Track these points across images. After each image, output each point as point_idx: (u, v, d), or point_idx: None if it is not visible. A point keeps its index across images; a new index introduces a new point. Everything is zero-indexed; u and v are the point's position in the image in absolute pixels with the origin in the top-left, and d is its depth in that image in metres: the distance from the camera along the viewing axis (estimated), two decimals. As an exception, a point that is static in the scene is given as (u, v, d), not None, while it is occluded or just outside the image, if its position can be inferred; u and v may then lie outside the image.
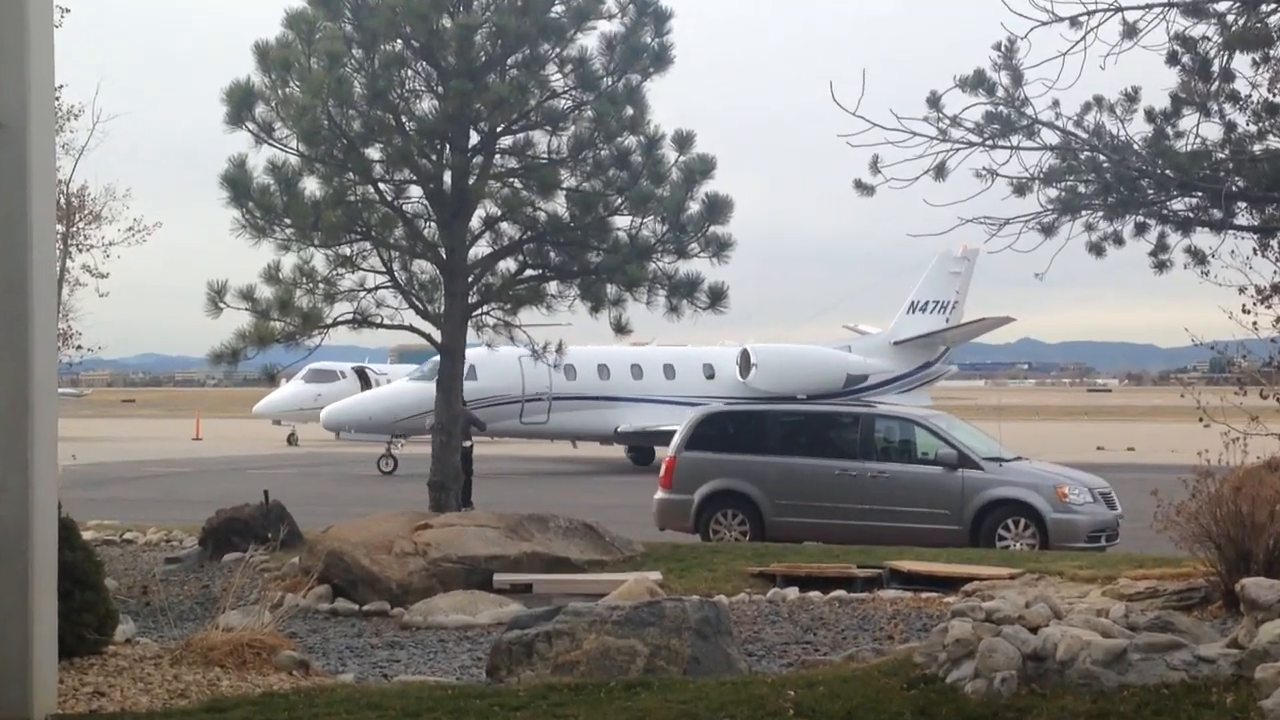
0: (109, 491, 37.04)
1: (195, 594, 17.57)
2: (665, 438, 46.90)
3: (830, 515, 21.80)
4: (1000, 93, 17.02)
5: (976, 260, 53.87)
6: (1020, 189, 17.52)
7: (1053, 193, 17.63)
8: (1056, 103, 17.07)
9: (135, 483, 41.98)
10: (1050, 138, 17.37)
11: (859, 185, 17.53)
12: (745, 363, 49.06)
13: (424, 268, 21.70)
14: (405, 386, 45.38)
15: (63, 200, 27.88)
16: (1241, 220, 17.74)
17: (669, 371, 48.86)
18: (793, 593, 16.40)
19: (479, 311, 21.92)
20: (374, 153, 20.91)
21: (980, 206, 17.37)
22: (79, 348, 30.56)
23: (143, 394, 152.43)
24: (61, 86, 28.11)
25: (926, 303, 54.81)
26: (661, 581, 16.43)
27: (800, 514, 22.02)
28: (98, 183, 30.09)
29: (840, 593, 16.29)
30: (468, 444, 32.97)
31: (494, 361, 41.14)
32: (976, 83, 16.98)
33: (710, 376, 49.28)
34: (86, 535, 18.83)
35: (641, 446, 48.70)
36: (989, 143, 17.18)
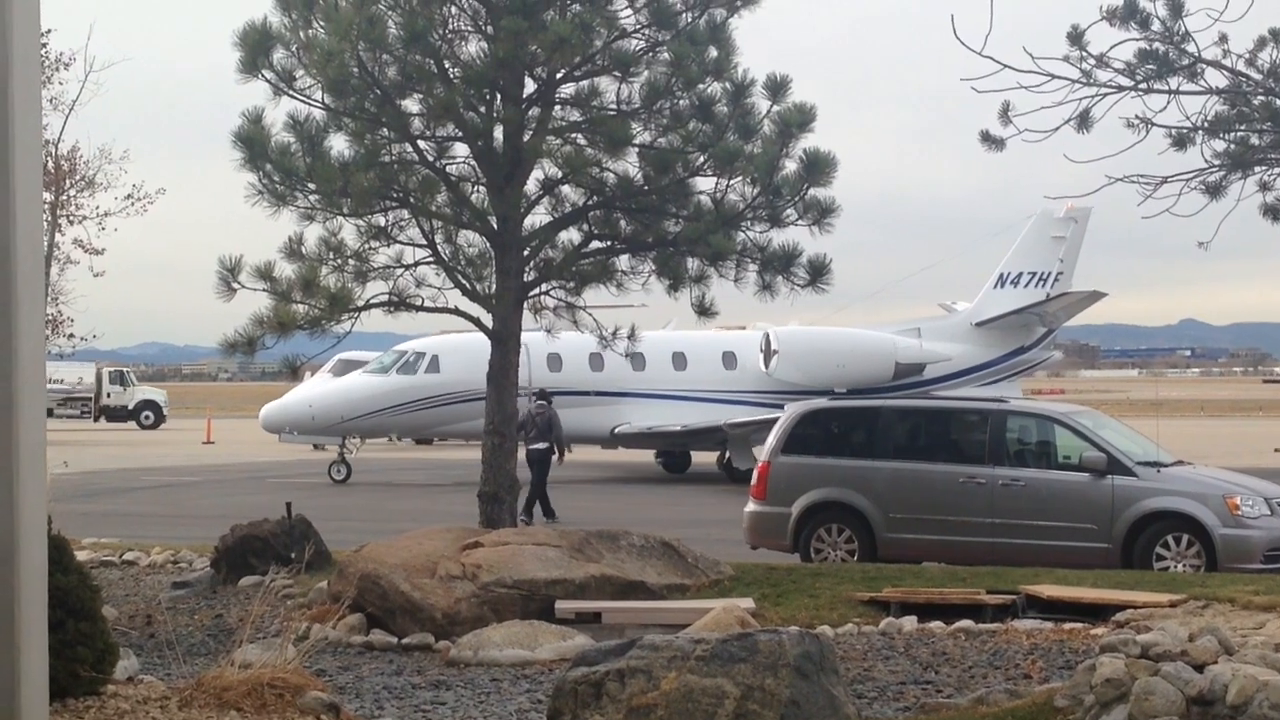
0: (106, 504, 37.44)
1: (207, 624, 17.73)
2: (670, 440, 47.09)
3: (954, 531, 21.70)
4: (1156, 26, 16.89)
5: (1088, 222, 52.38)
6: (1180, 141, 17.38)
7: (1220, 145, 17.47)
8: (1224, 37, 16.93)
9: (137, 494, 42.41)
10: (1216, 79, 17.22)
11: (986, 138, 17.48)
12: (768, 350, 48.13)
13: (471, 240, 21.77)
14: (355, 381, 45.87)
15: (51, 164, 28.23)
16: None
17: (679, 361, 48.10)
18: (910, 623, 16.34)
19: (536, 291, 21.96)
20: (412, 105, 20.96)
21: (1132, 162, 17.26)
22: (71, 336, 31.02)
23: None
24: (49, 31, 28.52)
25: (1020, 274, 52.83)
26: (754, 610, 16.42)
27: (919, 529, 21.93)
28: (91, 143, 30.59)
29: (966, 623, 16.22)
30: (543, 445, 33.39)
31: (462, 351, 41.50)
32: (1128, 14, 16.85)
33: (732, 367, 48.51)
34: (81, 556, 19.08)
35: (672, 451, 48.68)
36: (1142, 86, 17.05)
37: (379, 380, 45.05)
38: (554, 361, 45.38)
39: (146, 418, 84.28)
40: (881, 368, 48.45)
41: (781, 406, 45.72)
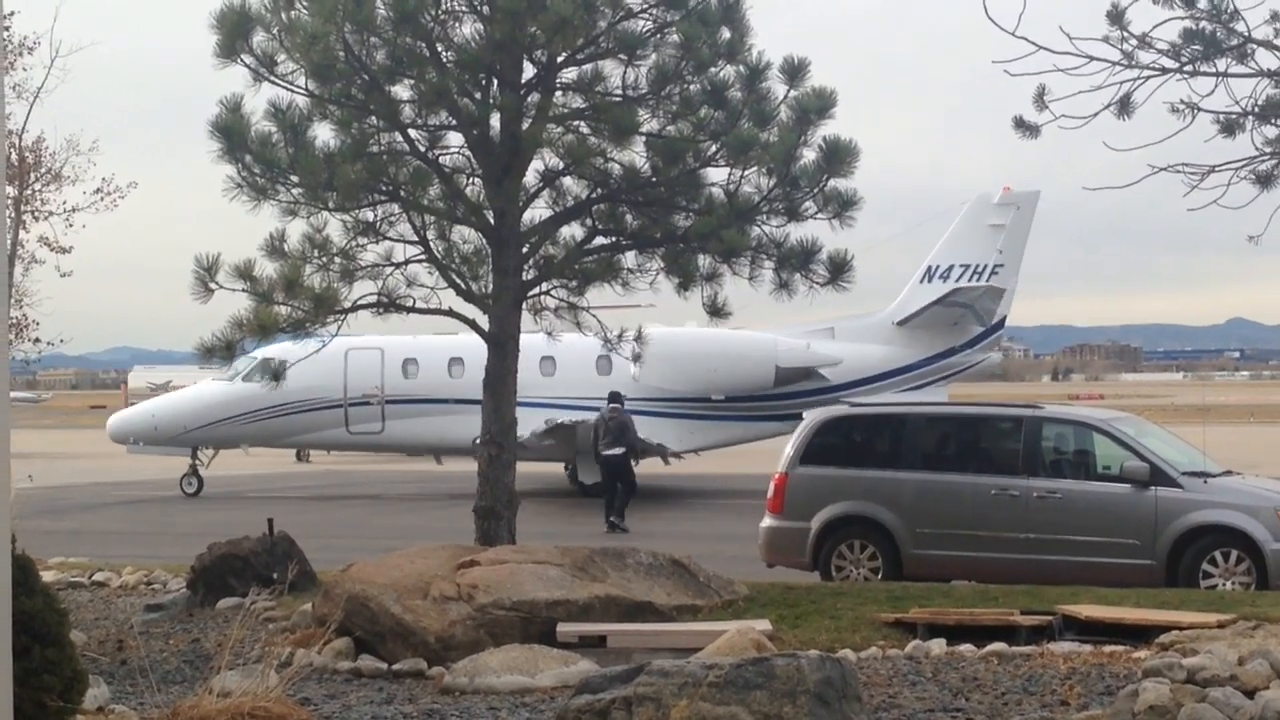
0: (75, 521, 37.52)
1: (183, 650, 17.75)
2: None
3: (986, 547, 21.70)
4: (1203, 4, 16.85)
5: (1034, 208, 50.49)
6: (1229, 127, 17.33)
7: (1272, 131, 17.43)
8: (1276, 15, 16.88)
9: (107, 510, 42.50)
10: (1268, 61, 17.18)
11: (1020, 124, 17.43)
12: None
13: (467, 236, 21.77)
14: (202, 389, 46.47)
15: (14, 155, 28.27)
16: None
17: (547, 366, 47.87)
18: (938, 646, 16.34)
19: (536, 291, 21.97)
20: (403, 91, 20.97)
21: (1177, 150, 17.22)
22: (36, 340, 31.06)
23: (115, 398, 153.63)
24: (11, 14, 28.54)
25: (951, 267, 50.34)
26: (771, 633, 16.42)
27: (947, 545, 21.94)
28: (57, 134, 30.55)
29: (999, 646, 16.21)
30: (619, 451, 33.56)
31: (310, 357, 41.77)
32: (1172, -10, 16.82)
33: (606, 372, 47.97)
34: (47, 577, 19.12)
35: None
36: (1188, 68, 17.01)
37: (224, 388, 45.46)
38: (409, 367, 45.62)
39: None
40: (759, 372, 47.26)
41: (650, 413, 46.43)
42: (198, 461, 45.80)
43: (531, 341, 47.24)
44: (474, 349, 46.42)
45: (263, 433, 46.89)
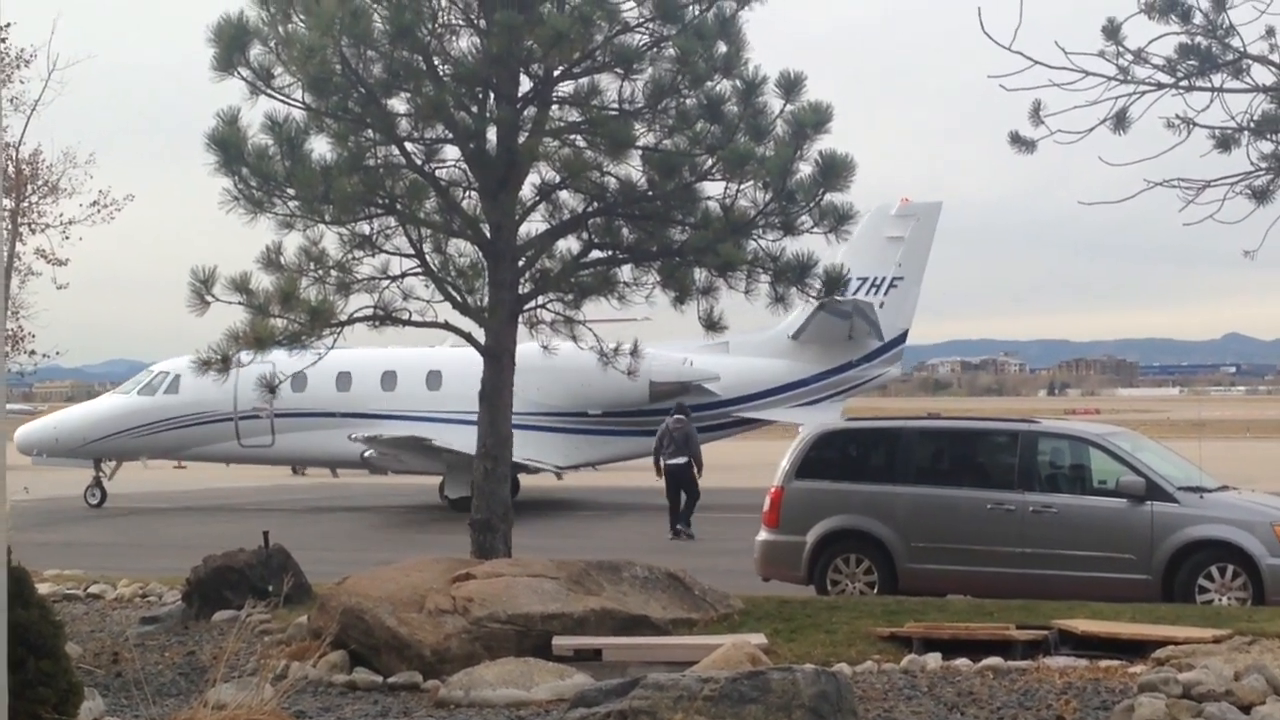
0: (70, 533, 37.49)
1: (178, 662, 17.74)
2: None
3: (981, 561, 21.68)
4: (1198, 19, 16.91)
5: (936, 220, 49.77)
6: (1224, 142, 17.38)
7: (1267, 146, 17.47)
8: (1271, 31, 16.93)
9: (102, 522, 42.47)
10: (1263, 76, 17.23)
11: (1016, 140, 17.50)
12: None
13: (463, 249, 21.78)
14: (102, 402, 47.18)
15: (11, 168, 28.27)
16: None
17: (433, 380, 47.96)
18: (934, 660, 16.33)
19: (532, 304, 21.97)
20: (399, 104, 20.99)
21: (1172, 165, 17.26)
22: (32, 353, 31.09)
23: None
24: (8, 26, 28.58)
25: (848, 280, 49.58)
26: (766, 646, 16.42)
27: (943, 560, 21.92)
28: (54, 146, 30.59)
29: (995, 660, 16.20)
30: (682, 460, 33.85)
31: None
32: (1167, 6, 16.87)
33: (436, 387, 48.54)
34: (43, 589, 19.06)
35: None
36: (1183, 83, 17.06)
37: (122, 401, 46.23)
38: (298, 381, 45.80)
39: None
40: (634, 387, 45.16)
41: (530, 428, 46.65)
42: (101, 473, 46.20)
43: (418, 358, 47.93)
44: (361, 364, 47.21)
45: (159, 445, 47.36)
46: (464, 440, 45.19)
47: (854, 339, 48.67)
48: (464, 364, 47.47)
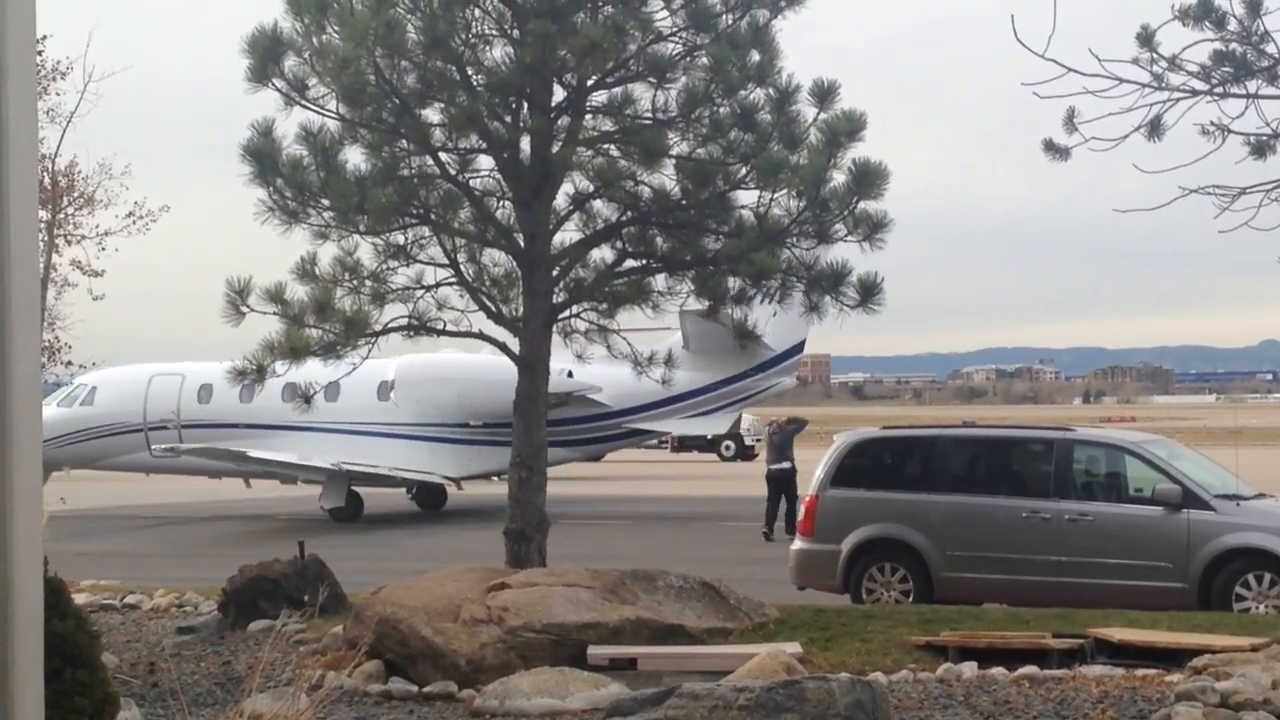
0: (107, 544, 37.61)
1: (214, 672, 17.77)
2: (302, 472, 47.02)
3: (1017, 570, 21.63)
4: (1233, 25, 16.84)
5: None
6: (1260, 149, 17.32)
7: (1304, 153, 17.41)
8: (1307, 37, 16.86)
9: (139, 533, 42.60)
10: (1300, 82, 17.16)
11: (1050, 147, 17.44)
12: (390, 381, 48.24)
13: (497, 259, 21.83)
14: None
15: (47, 179, 28.40)
16: None
17: (331, 392, 48.23)
18: (970, 669, 16.28)
19: (566, 313, 21.99)
20: (433, 115, 21.04)
21: (1207, 172, 17.20)
22: (69, 363, 31.25)
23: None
24: (45, 38, 28.71)
25: None
26: (801, 655, 16.39)
27: (979, 568, 21.87)
28: (90, 158, 30.72)
29: (1031, 669, 16.15)
30: (784, 465, 34.21)
31: (116, 382, 42.97)
32: (1202, 13, 16.81)
33: (385, 398, 48.63)
34: (79, 599, 19.13)
35: (430, 487, 49.00)
36: (1218, 90, 17.00)
37: (46, 413, 46.36)
38: (204, 393, 46.31)
39: (727, 448, 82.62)
40: (509, 399, 46.13)
41: (416, 438, 46.98)
42: None
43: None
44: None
45: (76, 456, 47.83)
46: (359, 449, 46.54)
47: (747, 349, 48.23)
48: (358, 376, 48.47)
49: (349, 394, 46.84)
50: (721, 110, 20.87)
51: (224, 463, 44.69)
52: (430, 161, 21.25)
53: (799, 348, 48.85)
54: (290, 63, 20.36)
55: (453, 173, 21.35)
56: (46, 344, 28.75)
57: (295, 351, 20.57)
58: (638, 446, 59.53)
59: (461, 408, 46.31)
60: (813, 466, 24.33)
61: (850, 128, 20.28)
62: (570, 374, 46.60)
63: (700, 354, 47.42)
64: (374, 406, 47.53)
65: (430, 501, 49.29)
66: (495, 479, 50.14)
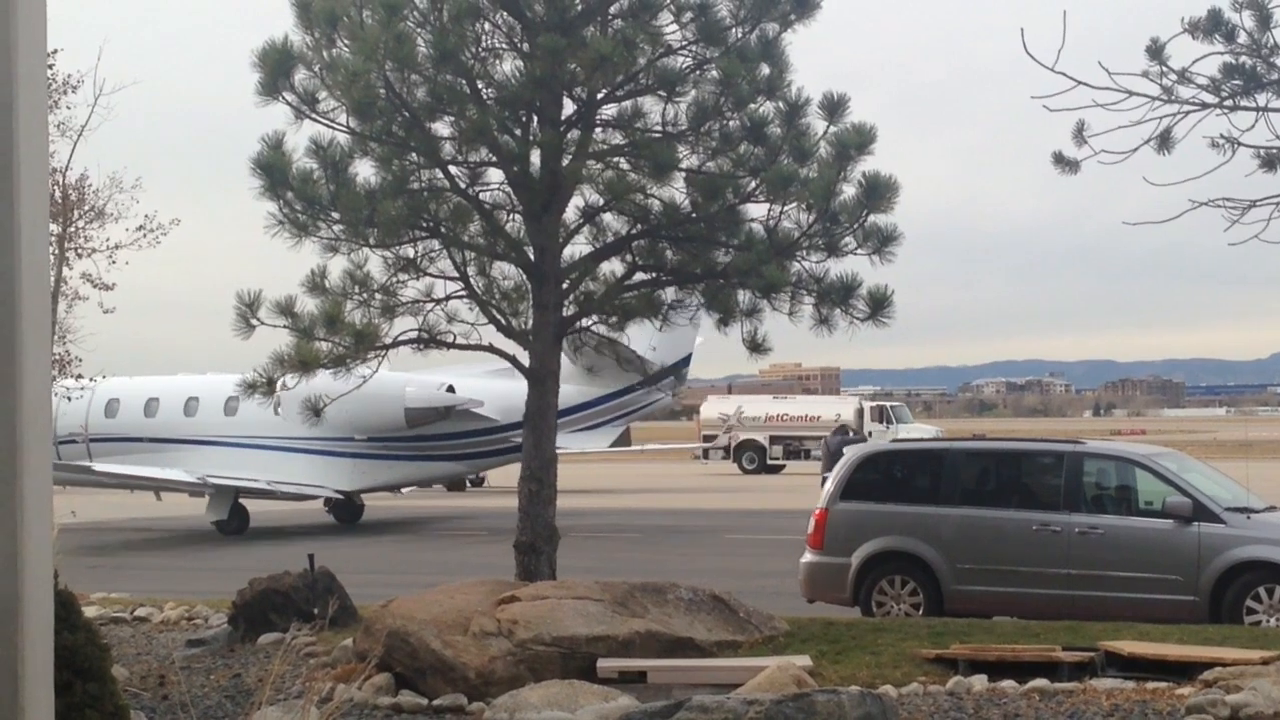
0: (117, 557, 37.66)
1: (224, 685, 17.78)
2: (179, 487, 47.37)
3: (1027, 583, 21.60)
4: (1242, 38, 16.85)
5: None
6: (1270, 162, 17.32)
7: (1313, 166, 17.40)
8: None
9: (149, 546, 42.63)
10: (1309, 95, 17.15)
11: (1060, 160, 17.44)
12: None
13: (507, 272, 21.83)
14: None
15: (58, 193, 28.43)
16: None
17: (230, 408, 48.81)
18: (980, 682, 16.27)
19: (576, 326, 22.00)
20: (443, 128, 21.07)
21: (1217, 185, 17.20)
22: (79, 376, 31.15)
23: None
24: (55, 51, 28.73)
25: None
26: (811, 669, 16.38)
27: (989, 581, 21.84)
28: (100, 171, 30.59)
29: (1041, 682, 16.14)
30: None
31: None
32: (1211, 26, 16.81)
33: (278, 412, 48.99)
34: (90, 612, 19.16)
35: (342, 501, 49.53)
36: (1228, 103, 17.00)
37: None
38: (111, 407, 46.68)
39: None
40: (388, 414, 47.24)
41: (306, 451, 47.34)
42: None
43: (217, 385, 48.85)
44: (168, 392, 47.88)
45: None
46: (254, 463, 47.00)
47: (632, 363, 48.05)
48: (213, 390, 49.39)
49: (246, 408, 48.02)
50: (731, 123, 20.89)
51: (72, 476, 44.83)
52: (440, 175, 21.27)
53: (685, 362, 48.32)
54: (300, 76, 20.40)
55: (463, 186, 21.38)
56: (57, 357, 28.72)
57: (305, 364, 20.60)
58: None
59: (342, 423, 46.03)
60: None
61: (860, 141, 20.30)
62: (450, 388, 47.02)
63: (585, 368, 47.94)
64: (270, 421, 48.17)
65: (345, 515, 49.90)
66: (399, 493, 51.13)
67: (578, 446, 49.90)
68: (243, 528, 46.30)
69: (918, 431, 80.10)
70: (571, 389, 48.45)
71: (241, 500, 46.96)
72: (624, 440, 51.64)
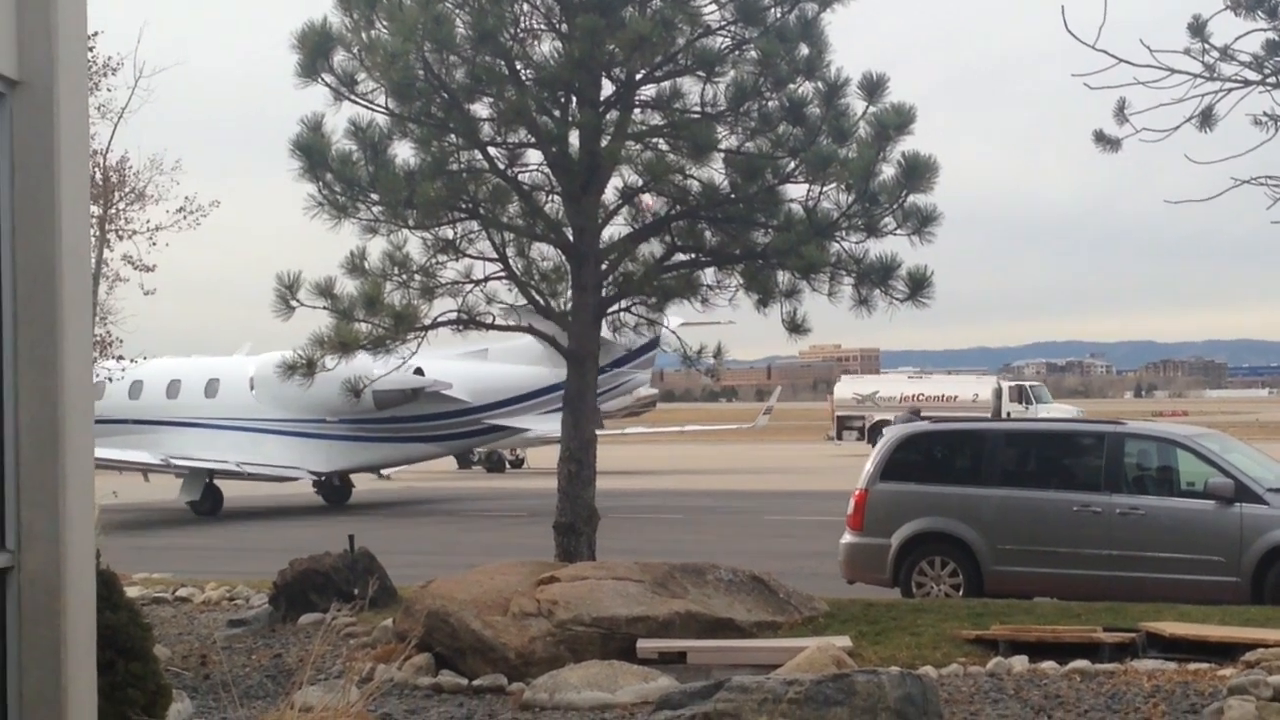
0: (158, 537, 37.85)
1: (265, 664, 17.86)
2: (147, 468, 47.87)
3: (1068, 563, 21.55)
4: (1286, 14, 16.74)
5: None
6: (1313, 140, 17.20)
7: (1356, 143, 17.29)
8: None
9: (190, 526, 42.81)
10: (1354, 73, 17.05)
11: (1100, 138, 17.37)
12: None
13: (546, 253, 21.84)
14: None
15: (99, 175, 28.52)
16: None
17: (211, 389, 49.85)
18: (1020, 663, 16.25)
19: (615, 307, 22.00)
20: (482, 109, 21.08)
21: (1259, 163, 17.11)
22: (120, 358, 31.27)
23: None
24: (96, 34, 28.79)
25: None
26: (851, 649, 16.37)
27: (1029, 562, 21.80)
28: (140, 153, 30.68)
29: (1082, 663, 16.11)
30: None
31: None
32: (1254, 2, 16.73)
33: (213, 395, 50.01)
34: (132, 592, 19.26)
35: (331, 481, 49.96)
36: (1270, 80, 16.90)
37: None
38: (98, 390, 47.26)
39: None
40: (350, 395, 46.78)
41: (279, 433, 47.56)
42: None
43: (198, 366, 49.14)
44: (152, 375, 48.61)
45: None
46: (233, 444, 47.44)
47: (603, 345, 47.97)
48: (234, 373, 49.89)
49: (226, 391, 49.45)
50: (770, 104, 20.85)
51: None
52: (479, 156, 21.28)
53: (653, 344, 48.84)
54: (339, 58, 20.43)
55: (501, 167, 21.39)
56: (98, 338, 28.82)
57: (345, 346, 20.63)
58: None
59: (308, 405, 46.97)
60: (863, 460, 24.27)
61: (899, 121, 20.24)
62: (419, 370, 47.22)
63: (555, 349, 47.91)
64: (247, 404, 49.07)
65: (333, 496, 50.44)
66: (380, 475, 51.59)
67: (546, 427, 50.31)
68: (216, 509, 46.98)
69: (1058, 412, 79.02)
70: (543, 370, 49.06)
71: (216, 482, 47.71)
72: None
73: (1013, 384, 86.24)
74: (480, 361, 49.93)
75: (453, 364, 48.46)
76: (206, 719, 14.01)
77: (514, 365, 50.02)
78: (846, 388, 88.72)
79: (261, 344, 50.46)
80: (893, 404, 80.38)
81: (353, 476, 51.59)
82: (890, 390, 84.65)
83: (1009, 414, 73.03)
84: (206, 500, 46.74)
